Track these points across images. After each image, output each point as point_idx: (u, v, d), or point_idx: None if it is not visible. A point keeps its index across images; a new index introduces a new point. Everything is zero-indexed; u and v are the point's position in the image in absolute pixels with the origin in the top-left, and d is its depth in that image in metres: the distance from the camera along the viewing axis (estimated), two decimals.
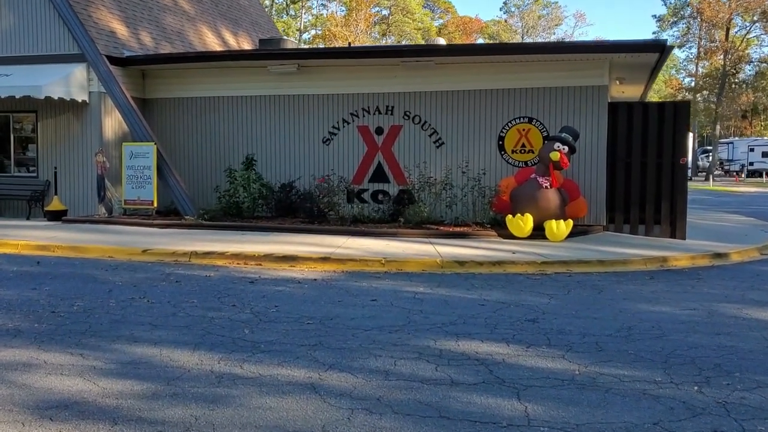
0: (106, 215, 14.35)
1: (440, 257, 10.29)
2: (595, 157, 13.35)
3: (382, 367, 5.45)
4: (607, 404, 4.70)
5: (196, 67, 15.18)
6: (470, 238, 12.30)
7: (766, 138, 60.36)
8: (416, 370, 5.39)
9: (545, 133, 13.52)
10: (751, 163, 53.57)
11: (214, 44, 19.82)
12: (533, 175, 12.43)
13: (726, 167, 56.89)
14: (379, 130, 14.37)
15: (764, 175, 49.99)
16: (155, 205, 14.25)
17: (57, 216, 14.18)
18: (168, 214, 14.71)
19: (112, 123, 14.90)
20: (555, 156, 12.13)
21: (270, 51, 14.42)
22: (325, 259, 10.21)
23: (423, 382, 5.11)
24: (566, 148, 12.32)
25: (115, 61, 14.62)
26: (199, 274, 9.39)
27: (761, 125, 73.68)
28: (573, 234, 12.39)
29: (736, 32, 55.26)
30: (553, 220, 12.06)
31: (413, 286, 8.75)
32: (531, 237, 12.17)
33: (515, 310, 7.51)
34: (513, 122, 13.73)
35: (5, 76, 14.11)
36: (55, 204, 14.44)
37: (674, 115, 13.01)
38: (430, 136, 14.14)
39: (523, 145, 13.70)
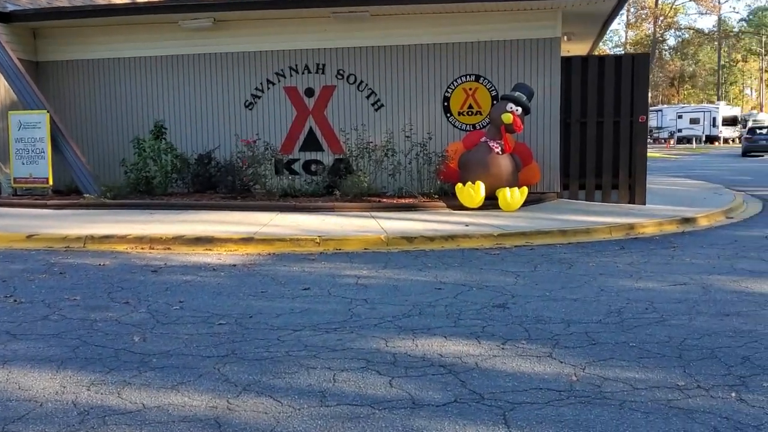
0: None
1: (385, 233, 8.88)
2: (547, 117, 12.14)
3: (317, 384, 4.01)
4: (629, 427, 3.41)
5: (97, 24, 13.15)
6: (417, 210, 10.93)
7: (693, 105, 61.39)
8: (364, 386, 3.97)
9: (494, 93, 12.22)
10: (680, 130, 54.23)
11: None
12: (483, 139, 11.14)
13: (655, 135, 57.51)
14: (310, 92, 12.76)
15: (693, 142, 50.66)
16: (51, 183, 12.26)
17: None
18: (69, 193, 12.74)
19: None
20: (507, 118, 10.85)
21: (181, 3, 12.53)
22: (247, 240, 8.65)
23: (374, 405, 3.70)
24: (519, 109, 11.05)
25: None
26: (92, 263, 7.69)
27: (686, 92, 75.18)
28: (527, 202, 11.18)
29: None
30: (507, 188, 10.82)
31: (355, 269, 7.31)
32: (483, 207, 10.90)
33: (479, 293, 6.18)
34: (459, 81, 12.36)
35: None
36: None
37: (632, 69, 11.92)
38: (367, 97, 12.62)
39: (470, 107, 12.37)
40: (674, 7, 54.08)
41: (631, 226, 9.72)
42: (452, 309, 5.64)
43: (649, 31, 53.45)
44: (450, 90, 12.38)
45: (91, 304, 5.89)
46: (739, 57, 79.08)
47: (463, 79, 12.33)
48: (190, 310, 5.70)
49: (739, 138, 53.39)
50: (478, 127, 12.24)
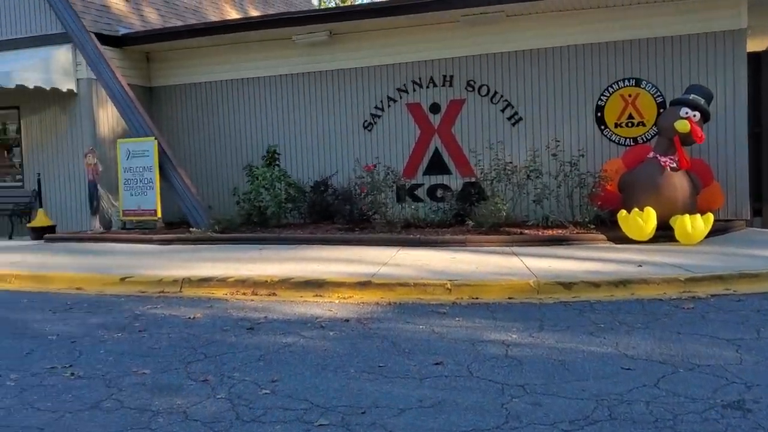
0: (101, 230, 11.61)
1: (534, 276, 7.03)
2: (730, 127, 9.82)
3: None
4: None
5: (207, 44, 12.35)
6: (569, 244, 8.96)
7: None
8: None
9: (660, 99, 10.07)
10: None
11: None
12: (651, 155, 9.04)
13: None
14: (435, 108, 11.19)
15: None
16: (159, 215, 11.42)
17: (41, 233, 11.54)
18: (179, 225, 11.90)
19: (108, 117, 12.19)
20: (683, 126, 8.71)
21: (293, 15, 11.44)
22: (364, 284, 7.10)
23: None
24: (697, 114, 8.88)
25: (107, 40, 11.91)
26: (182, 316, 6.43)
27: None
28: (708, 233, 8.90)
29: None
30: (686, 216, 8.62)
31: (500, 331, 5.53)
32: (653, 239, 8.77)
33: (691, 378, 4.21)
34: (614, 86, 10.32)
35: None
36: (39, 219, 11.80)
37: None
38: (502, 111, 10.86)
39: (630, 116, 10.27)
40: None
41: None
42: (659, 410, 3.73)
43: None
44: (604, 98, 10.37)
45: (160, 382, 4.52)
46: None
47: (620, 84, 10.28)
48: (283, 396, 4.17)
49: None
50: (640, 141, 10.14)
